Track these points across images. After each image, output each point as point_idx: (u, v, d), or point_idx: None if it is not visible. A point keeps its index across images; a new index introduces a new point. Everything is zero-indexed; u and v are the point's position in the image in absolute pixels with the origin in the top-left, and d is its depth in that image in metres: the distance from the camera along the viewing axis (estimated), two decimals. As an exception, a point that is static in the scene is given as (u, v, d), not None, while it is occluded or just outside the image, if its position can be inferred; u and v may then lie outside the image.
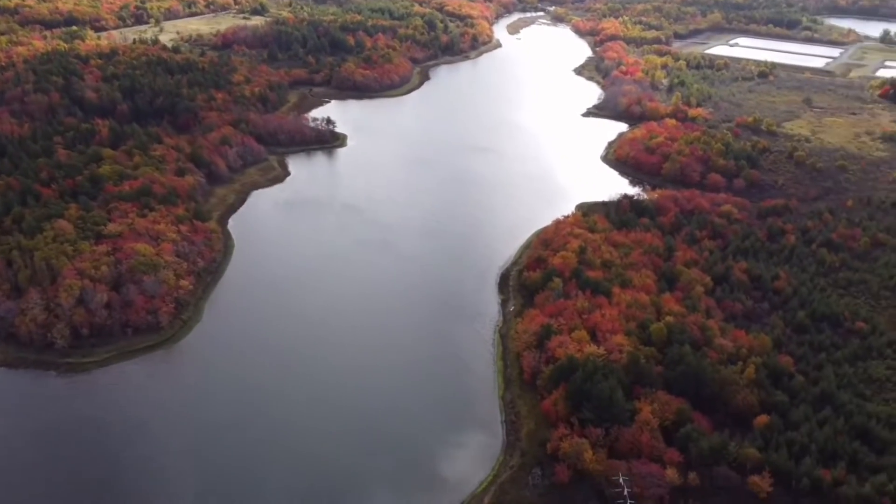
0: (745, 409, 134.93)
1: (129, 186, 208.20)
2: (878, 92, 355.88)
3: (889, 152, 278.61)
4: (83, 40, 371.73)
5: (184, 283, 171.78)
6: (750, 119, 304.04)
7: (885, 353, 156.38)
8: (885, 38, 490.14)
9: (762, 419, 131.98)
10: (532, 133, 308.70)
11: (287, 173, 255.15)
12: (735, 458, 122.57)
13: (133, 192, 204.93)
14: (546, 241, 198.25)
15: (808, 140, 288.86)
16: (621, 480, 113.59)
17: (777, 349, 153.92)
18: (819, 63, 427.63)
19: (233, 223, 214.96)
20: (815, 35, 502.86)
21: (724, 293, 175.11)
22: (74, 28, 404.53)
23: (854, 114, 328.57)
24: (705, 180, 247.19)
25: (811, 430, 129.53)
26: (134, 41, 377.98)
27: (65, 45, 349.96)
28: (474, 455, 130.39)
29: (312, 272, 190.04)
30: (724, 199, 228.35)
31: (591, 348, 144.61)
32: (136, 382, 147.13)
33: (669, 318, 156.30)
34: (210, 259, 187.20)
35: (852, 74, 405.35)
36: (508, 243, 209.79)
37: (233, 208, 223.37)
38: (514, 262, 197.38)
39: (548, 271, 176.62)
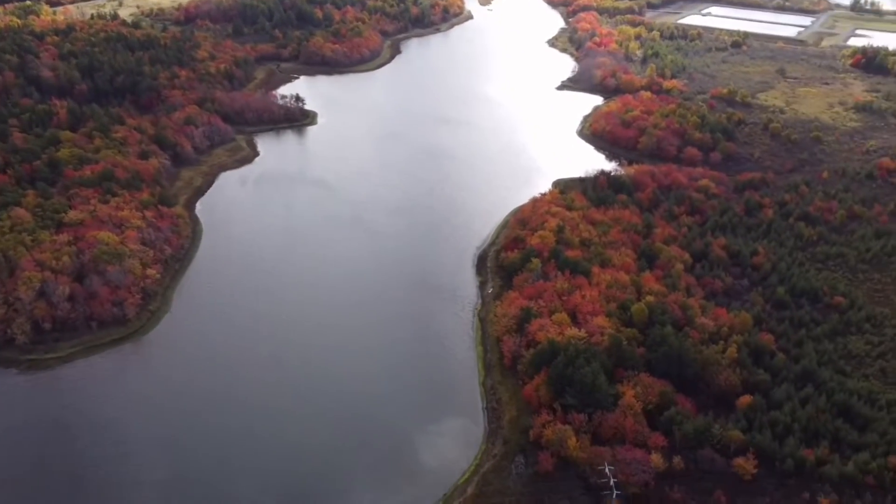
0: (727, 389, 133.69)
1: (89, 171, 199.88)
2: (849, 61, 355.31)
3: (861, 122, 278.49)
4: (38, 15, 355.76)
5: (150, 272, 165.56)
6: (725, 91, 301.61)
7: (863, 327, 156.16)
8: (856, 6, 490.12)
9: (745, 400, 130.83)
10: (506, 107, 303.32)
11: (256, 153, 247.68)
12: (719, 441, 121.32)
13: (94, 176, 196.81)
14: (523, 220, 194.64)
15: (782, 111, 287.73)
16: (607, 470, 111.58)
17: (758, 327, 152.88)
18: (791, 32, 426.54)
19: (200, 207, 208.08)
20: (787, 3, 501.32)
21: (703, 270, 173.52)
22: (28, 3, 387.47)
23: (827, 83, 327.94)
24: (682, 154, 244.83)
25: (794, 409, 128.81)
26: (92, 16, 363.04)
27: (18, 20, 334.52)
28: (456, 443, 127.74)
29: (285, 255, 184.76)
30: (702, 174, 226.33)
31: (572, 331, 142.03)
32: (103, 378, 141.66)
33: (650, 298, 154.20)
34: (177, 246, 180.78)
35: (824, 43, 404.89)
36: (485, 222, 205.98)
37: (200, 191, 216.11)
38: (492, 243, 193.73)
39: (526, 252, 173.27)
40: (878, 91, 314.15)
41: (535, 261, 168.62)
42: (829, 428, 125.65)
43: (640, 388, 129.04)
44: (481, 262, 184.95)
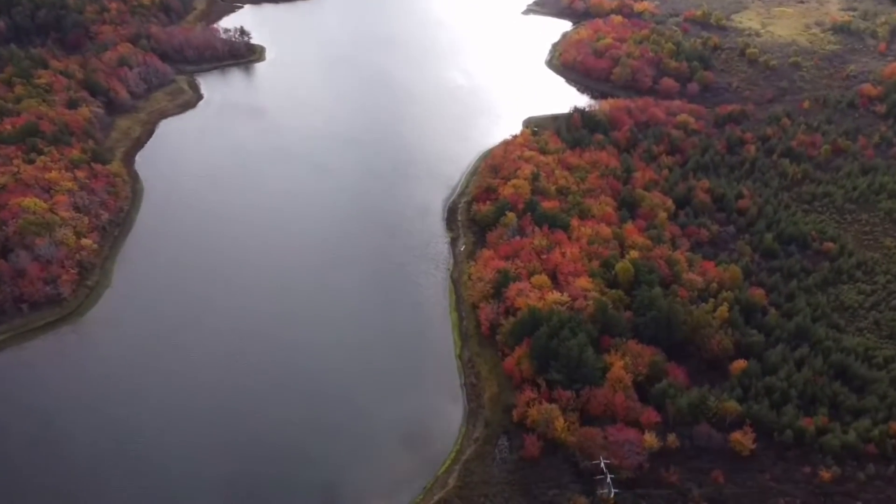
0: (720, 353, 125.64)
1: (10, 125, 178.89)
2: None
3: (840, 45, 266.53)
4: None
5: (86, 241, 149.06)
6: (698, 13, 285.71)
7: (854, 275, 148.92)
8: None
9: (739, 365, 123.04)
10: (469, 33, 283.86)
11: (199, 96, 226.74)
12: (714, 413, 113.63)
13: (16, 132, 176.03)
14: (495, 166, 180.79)
15: (758, 34, 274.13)
16: (602, 465, 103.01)
17: (747, 280, 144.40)
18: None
19: (140, 161, 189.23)
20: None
21: (687, 218, 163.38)
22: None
23: (802, 2, 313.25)
24: (657, 85, 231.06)
25: (790, 373, 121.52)
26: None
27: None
28: (433, 426, 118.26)
29: (237, 211, 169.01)
30: (680, 108, 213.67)
31: (554, 295, 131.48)
32: (39, 365, 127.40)
33: (634, 254, 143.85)
34: (115, 209, 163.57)
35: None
36: (454, 167, 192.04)
37: (139, 143, 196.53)
38: (462, 192, 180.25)
39: (500, 205, 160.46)
40: (854, 10, 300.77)
41: (510, 215, 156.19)
42: (826, 392, 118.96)
43: (628, 358, 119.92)
44: (451, 215, 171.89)
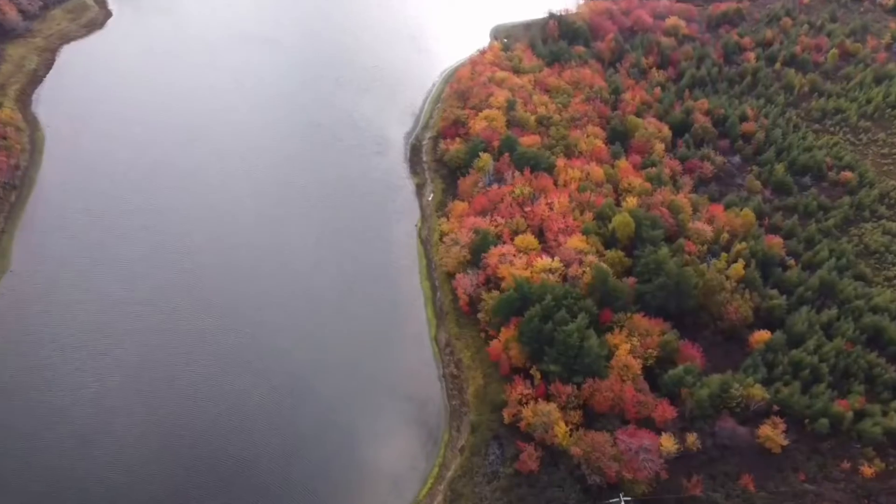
0: (738, 322, 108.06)
1: None
2: None
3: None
4: None
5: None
6: None
7: (877, 210, 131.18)
8: None
9: (761, 336, 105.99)
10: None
11: (108, 13, 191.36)
12: (738, 403, 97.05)
13: None
14: (461, 92, 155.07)
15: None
16: (622, 502, 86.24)
17: (760, 224, 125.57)
18: None
19: (39, 102, 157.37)
20: None
21: (688, 149, 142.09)
22: None
23: None
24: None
25: (819, 343, 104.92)
26: None
27: None
28: (410, 432, 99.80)
29: (164, 155, 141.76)
30: (668, 8, 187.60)
31: (543, 261, 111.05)
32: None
33: (632, 201, 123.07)
34: (9, 169, 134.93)
35: None
36: (413, 91, 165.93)
37: (36, 78, 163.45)
38: (425, 125, 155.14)
39: (472, 144, 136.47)
40: None
41: (485, 157, 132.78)
42: (861, 365, 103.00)
43: (636, 339, 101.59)
44: (415, 155, 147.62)
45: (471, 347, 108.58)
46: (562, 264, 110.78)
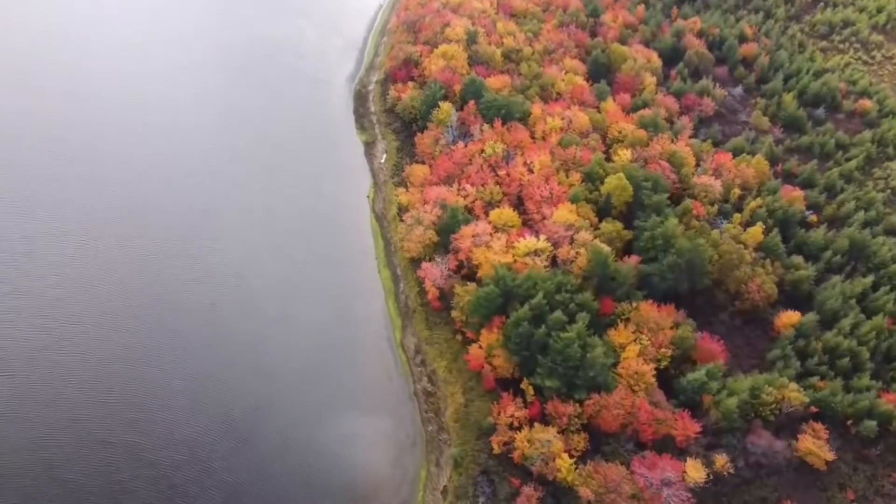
0: (761, 302, 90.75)
1: None
2: None
3: None
4: None
5: None
6: None
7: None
8: None
9: (789, 319, 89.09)
10: None
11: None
12: (771, 408, 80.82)
13: None
14: (411, 22, 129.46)
15: None
16: None
17: (773, 172, 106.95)
18: None
19: None
20: None
21: (683, 81, 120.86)
22: None
23: None
24: None
25: (856, 321, 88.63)
26: None
27: None
28: (378, 476, 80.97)
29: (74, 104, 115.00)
30: None
31: (527, 242, 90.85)
32: None
33: (625, 155, 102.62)
34: None
35: None
36: (355, 16, 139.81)
37: None
38: (370, 65, 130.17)
39: (429, 92, 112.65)
40: None
41: (445, 107, 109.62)
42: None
43: (645, 337, 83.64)
44: (361, 104, 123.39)
45: (446, 355, 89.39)
46: (549, 244, 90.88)
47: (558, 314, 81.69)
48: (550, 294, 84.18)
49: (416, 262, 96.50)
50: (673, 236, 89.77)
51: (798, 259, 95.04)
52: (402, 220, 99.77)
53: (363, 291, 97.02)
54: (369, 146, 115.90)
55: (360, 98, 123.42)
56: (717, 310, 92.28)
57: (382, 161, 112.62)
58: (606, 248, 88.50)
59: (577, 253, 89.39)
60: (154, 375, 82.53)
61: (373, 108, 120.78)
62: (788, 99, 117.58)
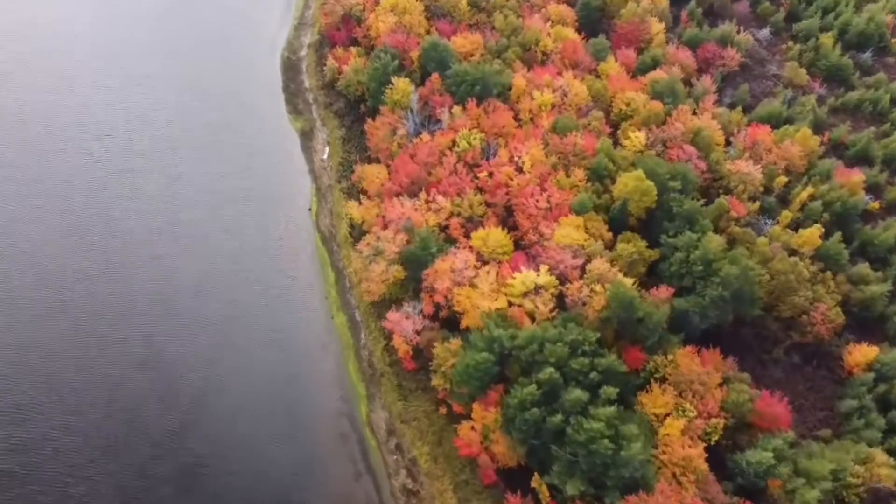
0: (826, 334, 70.70)
1: None
2: None
3: None
4: None
5: None
6: None
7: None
8: None
9: (863, 356, 69.59)
10: None
11: None
12: (858, 491, 62.15)
13: None
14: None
15: None
16: None
17: (819, 140, 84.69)
18: None
19: None
20: None
21: (698, 27, 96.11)
22: None
23: None
24: None
25: (945, 356, 69.56)
26: None
27: None
28: None
29: None
30: None
31: (524, 277, 68.31)
32: None
33: (637, 139, 79.35)
34: None
35: None
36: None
37: None
38: (299, 23, 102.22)
39: (378, 63, 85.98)
40: None
41: (401, 84, 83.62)
42: None
43: (689, 401, 63.45)
44: (292, 77, 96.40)
45: (428, 436, 68.27)
46: (553, 280, 68.66)
47: (577, 393, 60.49)
48: (564, 361, 62.71)
49: (379, 305, 73.86)
50: (715, 259, 68.20)
51: (864, 267, 74.73)
52: (355, 248, 75.94)
53: (311, 348, 74.54)
54: (306, 136, 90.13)
55: (291, 69, 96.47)
56: (769, 343, 72.35)
57: (325, 157, 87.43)
58: (630, 287, 66.54)
59: (591, 291, 67.50)
60: None
61: (307, 83, 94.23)
62: (827, 41, 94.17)
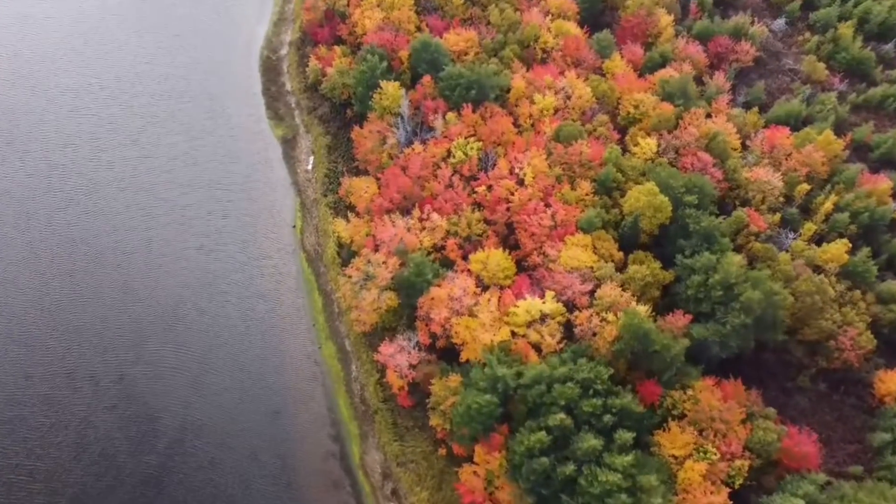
0: (856, 359, 65.32)
1: None
2: None
3: None
4: None
5: None
6: None
7: None
8: None
9: (895, 383, 64.41)
10: None
11: None
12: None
13: None
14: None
15: None
16: None
17: (843, 144, 78.66)
18: None
19: None
20: None
21: (709, 18, 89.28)
22: None
23: None
24: None
25: (984, 378, 64.35)
26: None
27: None
28: None
29: None
30: None
31: (529, 304, 62.55)
32: None
33: (648, 145, 73.19)
34: None
35: None
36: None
37: None
38: (280, 16, 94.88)
39: (366, 65, 79.01)
40: None
41: (391, 88, 76.79)
42: None
43: (710, 441, 58.17)
44: (272, 79, 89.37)
45: (427, 481, 62.80)
46: (560, 307, 62.85)
47: (591, 441, 54.97)
48: (574, 402, 57.12)
49: (371, 335, 67.98)
50: (736, 282, 62.46)
51: (894, 284, 69.18)
52: (343, 272, 69.73)
53: (299, 380, 68.67)
54: (289, 145, 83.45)
55: (270, 70, 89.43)
56: (793, 369, 66.96)
57: (309, 168, 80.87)
58: (644, 317, 60.68)
59: (602, 320, 61.76)
60: None
61: (289, 86, 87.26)
62: (847, 32, 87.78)
